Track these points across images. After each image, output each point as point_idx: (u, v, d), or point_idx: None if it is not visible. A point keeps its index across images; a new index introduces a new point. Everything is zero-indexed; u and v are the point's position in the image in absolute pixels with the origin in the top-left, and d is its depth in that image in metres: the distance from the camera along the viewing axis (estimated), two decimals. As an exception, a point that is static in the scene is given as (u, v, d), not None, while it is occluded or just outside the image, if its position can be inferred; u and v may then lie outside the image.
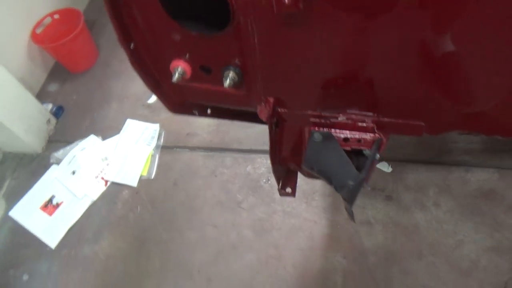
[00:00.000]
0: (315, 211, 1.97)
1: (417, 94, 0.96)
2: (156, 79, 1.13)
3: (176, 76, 1.05)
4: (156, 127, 2.40)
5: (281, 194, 1.39)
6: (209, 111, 1.33)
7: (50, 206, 2.24)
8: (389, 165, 2.00)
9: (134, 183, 2.22)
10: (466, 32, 0.77)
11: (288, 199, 2.02)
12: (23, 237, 2.18)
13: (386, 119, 1.04)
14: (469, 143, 1.99)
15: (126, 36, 1.00)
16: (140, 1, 0.91)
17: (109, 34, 2.97)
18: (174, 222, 2.06)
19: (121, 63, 2.79)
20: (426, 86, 0.92)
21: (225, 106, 1.21)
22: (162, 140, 2.35)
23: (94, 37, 2.84)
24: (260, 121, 1.43)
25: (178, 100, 1.21)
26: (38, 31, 2.62)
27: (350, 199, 1.07)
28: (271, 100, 1.08)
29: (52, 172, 2.34)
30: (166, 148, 2.33)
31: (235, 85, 1.04)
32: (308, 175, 1.27)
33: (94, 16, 3.05)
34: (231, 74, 1.01)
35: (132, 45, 1.02)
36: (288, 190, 1.39)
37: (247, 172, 2.15)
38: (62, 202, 2.24)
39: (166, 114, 2.46)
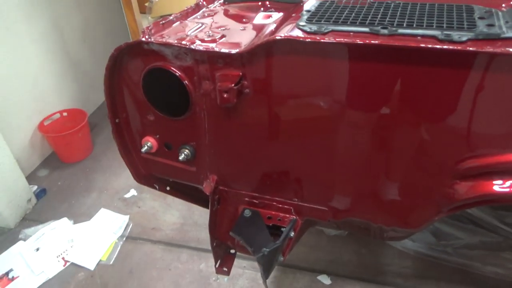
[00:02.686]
0: (255, 313, 2.07)
1: (325, 188, 1.26)
2: (129, 149, 1.44)
3: (145, 148, 1.37)
4: (125, 218, 2.61)
5: (217, 272, 1.57)
6: (168, 188, 1.61)
7: (5, 278, 2.31)
8: (329, 277, 2.17)
9: (91, 266, 2.33)
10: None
11: (232, 298, 2.13)
12: (-32, 305, 2.20)
13: (301, 204, 1.32)
14: (402, 267, 2.20)
15: (114, 112, 1.34)
16: (128, 87, 1.28)
17: (105, 136, 3.38)
18: (121, 308, 2.13)
19: (109, 160, 3.12)
20: (332, 183, 1.23)
21: (179, 181, 1.49)
22: (128, 231, 2.54)
23: (92, 136, 3.24)
24: (207, 205, 1.71)
25: (143, 172, 1.50)
26: (46, 123, 3.03)
27: (264, 265, 1.27)
28: (215, 177, 1.37)
29: (17, 247, 2.46)
30: (130, 238, 2.50)
31: (188, 161, 1.35)
32: (241, 249, 1.48)
33: (97, 120, 3.51)
34: (186, 151, 1.33)
35: (117, 120, 1.36)
36: (225, 269, 1.57)
37: (199, 269, 2.29)
38: (18, 277, 2.32)
39: (137, 209, 2.71)
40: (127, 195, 2.81)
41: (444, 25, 0.91)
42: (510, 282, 2.06)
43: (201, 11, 1.38)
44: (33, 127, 2.98)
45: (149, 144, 1.37)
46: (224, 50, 1.05)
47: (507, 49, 0.80)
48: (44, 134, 2.98)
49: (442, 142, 1.00)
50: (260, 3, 1.31)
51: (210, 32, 1.16)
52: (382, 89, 0.96)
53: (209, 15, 1.31)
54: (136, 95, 1.28)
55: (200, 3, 1.42)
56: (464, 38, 0.84)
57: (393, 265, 2.22)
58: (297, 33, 0.98)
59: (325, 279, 2.17)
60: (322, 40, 0.92)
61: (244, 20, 1.26)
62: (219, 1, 1.42)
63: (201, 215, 2.63)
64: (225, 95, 1.10)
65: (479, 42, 0.84)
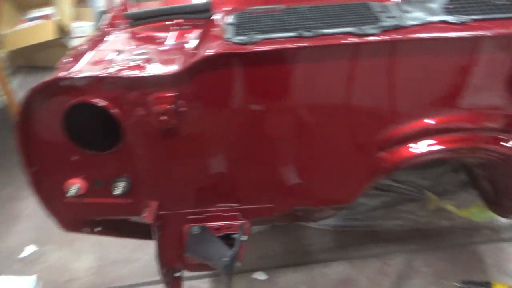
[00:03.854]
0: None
1: (267, 186, 1.33)
2: (51, 198, 1.30)
3: (72, 192, 1.26)
4: (31, 279, 2.30)
5: (168, 299, 1.52)
6: (99, 228, 1.50)
7: None
8: (264, 273, 2.26)
9: None
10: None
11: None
12: None
13: (246, 207, 1.37)
14: (323, 243, 2.41)
15: (30, 161, 1.20)
16: (45, 130, 1.16)
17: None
18: None
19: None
20: (273, 180, 1.31)
21: (114, 217, 1.40)
22: (39, 292, 2.25)
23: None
24: (146, 236, 1.65)
25: (71, 217, 1.38)
26: None
27: (227, 273, 1.30)
28: (155, 204, 1.33)
29: None
30: (43, 299, 2.23)
31: (125, 193, 1.29)
32: (193, 268, 1.46)
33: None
34: (121, 184, 1.26)
35: (34, 169, 1.22)
36: (176, 295, 1.54)
37: (132, 306, 2.17)
38: None
39: (42, 264, 2.42)
40: (25, 254, 2.48)
41: (355, 22, 1.06)
42: (408, 229, 2.43)
43: (110, 37, 1.31)
44: None
45: (75, 186, 1.26)
46: (156, 73, 1.04)
47: (418, 35, 0.99)
48: None
49: (368, 120, 1.16)
50: (169, 22, 1.31)
51: (132, 57, 1.13)
52: (317, 85, 1.08)
53: (120, 40, 1.26)
54: (55, 136, 1.17)
55: (104, 29, 1.35)
56: (376, 31, 1.00)
57: (316, 244, 2.42)
58: (230, 46, 1.03)
59: (260, 276, 2.26)
60: (258, 49, 0.99)
61: (159, 41, 1.25)
62: (123, 25, 1.37)
63: (118, 251, 2.47)
64: (163, 118, 1.09)
65: (389, 32, 1.00)
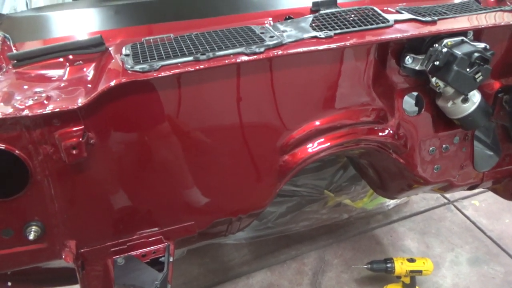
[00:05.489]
0: None
1: (181, 207, 1.39)
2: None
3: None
4: None
5: None
6: (9, 283, 1.40)
7: None
8: (188, 298, 2.27)
9: None
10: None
11: None
12: None
13: (167, 229, 1.41)
14: (242, 256, 2.51)
15: None
16: None
17: None
18: None
19: None
20: (190, 198, 1.37)
21: (27, 266, 1.32)
22: None
23: None
24: (63, 281, 1.57)
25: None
26: None
27: (161, 296, 1.31)
28: (73, 243, 1.30)
29: None
30: None
31: (39, 238, 1.23)
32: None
33: None
34: (34, 228, 1.20)
35: None
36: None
37: None
38: None
39: None
40: None
41: (243, 43, 1.20)
42: (315, 228, 2.66)
43: None
44: None
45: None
46: (61, 108, 1.04)
47: (298, 49, 1.17)
48: None
49: (268, 131, 1.32)
50: (61, 59, 1.30)
51: (30, 96, 1.11)
52: (217, 104, 1.21)
53: (9, 82, 1.21)
54: None
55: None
56: (262, 49, 1.14)
57: (235, 259, 2.51)
58: (133, 75, 1.08)
59: (187, 302, 2.26)
60: (161, 75, 1.07)
61: (54, 78, 1.24)
62: (6, 67, 1.31)
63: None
64: (74, 152, 1.09)
65: (273, 49, 1.16)
